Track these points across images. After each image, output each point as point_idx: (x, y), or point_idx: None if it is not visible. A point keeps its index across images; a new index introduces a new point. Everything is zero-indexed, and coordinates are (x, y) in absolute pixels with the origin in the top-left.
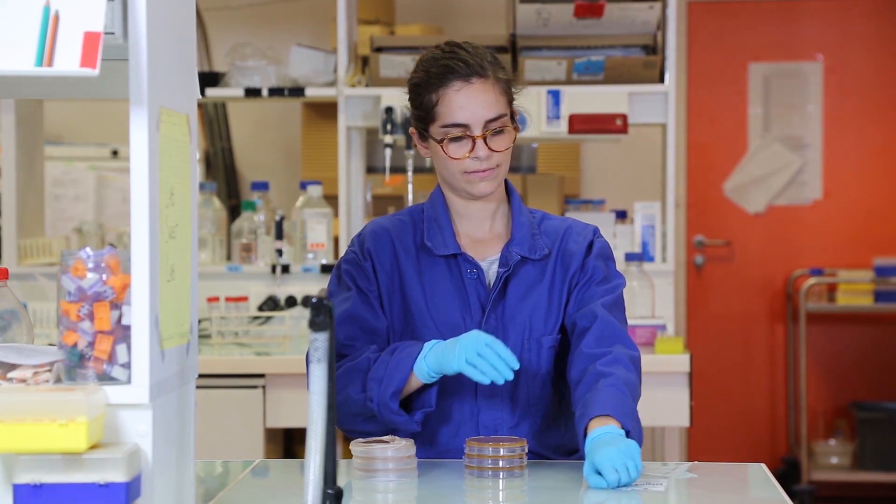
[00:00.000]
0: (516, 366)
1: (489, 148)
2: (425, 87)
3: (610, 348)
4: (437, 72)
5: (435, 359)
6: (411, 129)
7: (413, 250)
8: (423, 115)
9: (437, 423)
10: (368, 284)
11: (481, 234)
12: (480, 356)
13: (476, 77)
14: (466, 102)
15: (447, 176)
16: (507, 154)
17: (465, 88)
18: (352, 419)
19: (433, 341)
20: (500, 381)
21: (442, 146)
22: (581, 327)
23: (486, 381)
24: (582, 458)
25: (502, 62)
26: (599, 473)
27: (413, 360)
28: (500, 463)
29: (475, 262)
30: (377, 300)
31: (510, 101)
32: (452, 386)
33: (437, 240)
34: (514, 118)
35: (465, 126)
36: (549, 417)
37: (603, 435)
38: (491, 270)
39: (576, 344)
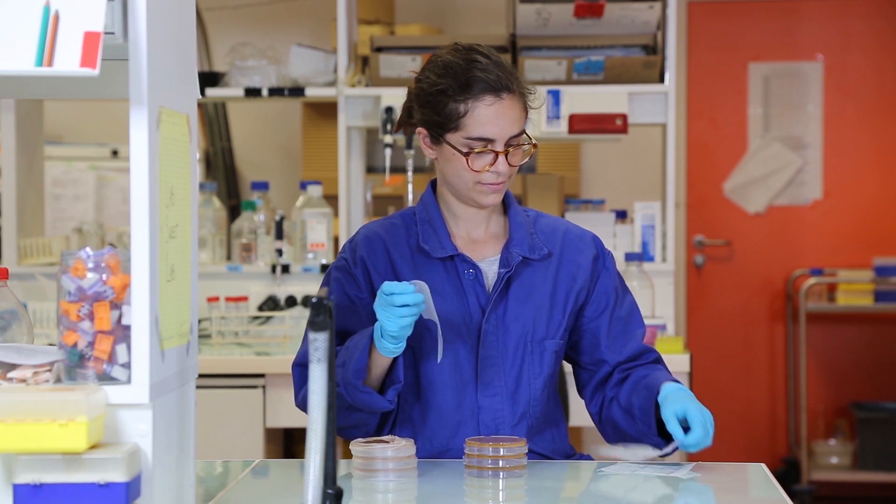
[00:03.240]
0: (417, 296)
1: (508, 163)
2: (453, 95)
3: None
4: (466, 82)
5: (379, 328)
6: (420, 130)
7: (408, 253)
8: (442, 121)
9: (437, 422)
10: (357, 292)
11: (477, 234)
12: (392, 306)
13: (506, 92)
14: (496, 118)
15: (457, 183)
16: (517, 167)
17: (497, 104)
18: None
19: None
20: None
21: (467, 159)
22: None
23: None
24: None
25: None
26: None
27: (369, 337)
28: (500, 463)
29: (473, 263)
30: (365, 308)
31: (527, 115)
32: (452, 385)
33: (432, 242)
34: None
35: (490, 140)
36: (549, 418)
37: (681, 389)
38: (490, 271)
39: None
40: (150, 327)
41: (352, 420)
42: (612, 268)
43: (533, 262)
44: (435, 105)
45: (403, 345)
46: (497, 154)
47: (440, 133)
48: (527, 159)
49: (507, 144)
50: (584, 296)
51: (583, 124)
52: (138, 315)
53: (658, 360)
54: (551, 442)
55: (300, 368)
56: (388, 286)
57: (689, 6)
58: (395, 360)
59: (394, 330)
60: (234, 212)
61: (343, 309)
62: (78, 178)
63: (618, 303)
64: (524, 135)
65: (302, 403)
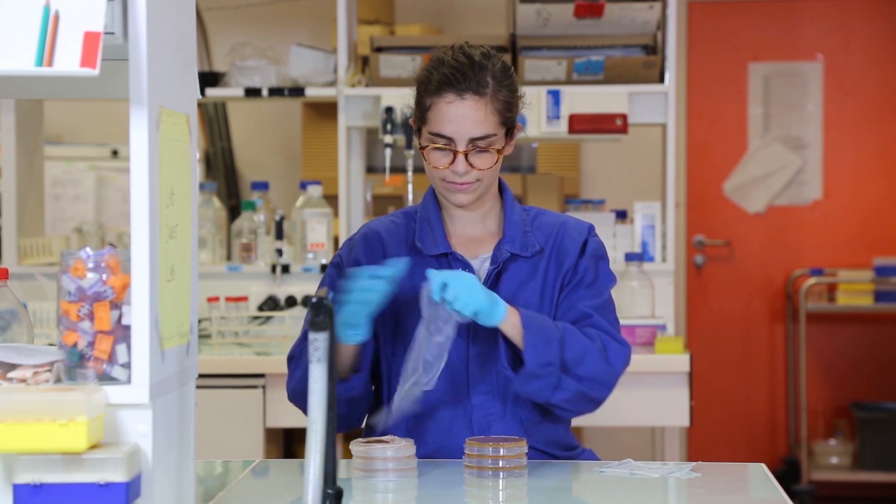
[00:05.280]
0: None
1: (469, 164)
2: (424, 89)
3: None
4: (437, 78)
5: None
6: (411, 121)
7: (405, 252)
8: (418, 114)
9: (430, 420)
10: None
11: (473, 233)
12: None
13: (470, 93)
14: (454, 117)
15: (429, 178)
16: (491, 171)
17: (457, 103)
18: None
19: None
20: (378, 298)
21: (424, 152)
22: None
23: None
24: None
25: (513, 77)
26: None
27: None
28: (500, 463)
29: (465, 261)
30: None
31: (505, 119)
32: (444, 383)
33: (427, 240)
34: (510, 133)
35: (449, 139)
36: (542, 411)
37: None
38: (482, 269)
39: None
40: (150, 327)
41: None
42: (590, 249)
43: (524, 259)
44: (416, 97)
45: (362, 332)
46: (456, 153)
47: (419, 126)
48: (492, 164)
49: (471, 146)
50: (568, 276)
51: (583, 124)
52: (138, 315)
53: (592, 325)
54: (550, 435)
55: (292, 361)
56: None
57: (689, 6)
58: (360, 349)
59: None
60: (234, 212)
61: None
62: (78, 178)
63: (586, 278)
64: (493, 138)
65: (293, 398)
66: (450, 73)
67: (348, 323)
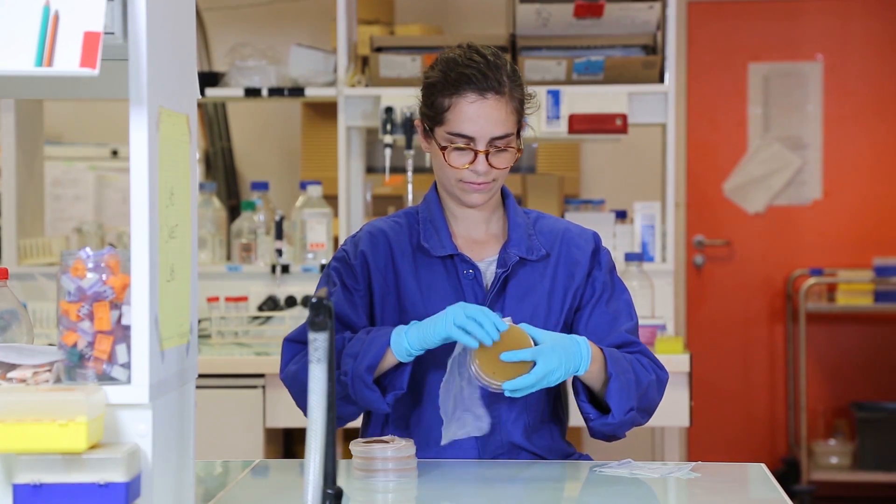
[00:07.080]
0: (504, 327)
1: (489, 164)
2: (440, 89)
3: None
4: (454, 77)
5: (417, 333)
6: (417, 122)
7: (409, 252)
8: (432, 115)
9: (434, 422)
10: (355, 283)
11: (477, 234)
12: (470, 318)
13: (492, 92)
14: (476, 116)
15: (443, 179)
16: (506, 170)
17: (479, 102)
18: None
19: (413, 322)
20: (488, 342)
21: (444, 153)
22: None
23: (474, 343)
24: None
25: (521, 77)
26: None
27: (389, 337)
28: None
29: (472, 263)
30: (362, 299)
31: (520, 119)
32: None
33: (433, 241)
34: (520, 133)
35: (470, 138)
36: (546, 418)
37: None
38: (489, 271)
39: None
40: (150, 327)
41: (340, 412)
42: (604, 262)
43: (531, 263)
44: (427, 97)
45: (415, 356)
46: (477, 153)
47: (431, 126)
48: (511, 164)
49: (491, 145)
50: (582, 291)
51: (583, 124)
52: (138, 315)
53: (641, 352)
54: (550, 441)
55: (290, 343)
56: (483, 309)
57: (689, 6)
58: (402, 367)
59: (444, 334)
60: (234, 212)
61: (342, 299)
62: (78, 178)
63: (605, 295)
64: (511, 137)
65: (286, 378)
66: (469, 72)
67: (419, 345)
